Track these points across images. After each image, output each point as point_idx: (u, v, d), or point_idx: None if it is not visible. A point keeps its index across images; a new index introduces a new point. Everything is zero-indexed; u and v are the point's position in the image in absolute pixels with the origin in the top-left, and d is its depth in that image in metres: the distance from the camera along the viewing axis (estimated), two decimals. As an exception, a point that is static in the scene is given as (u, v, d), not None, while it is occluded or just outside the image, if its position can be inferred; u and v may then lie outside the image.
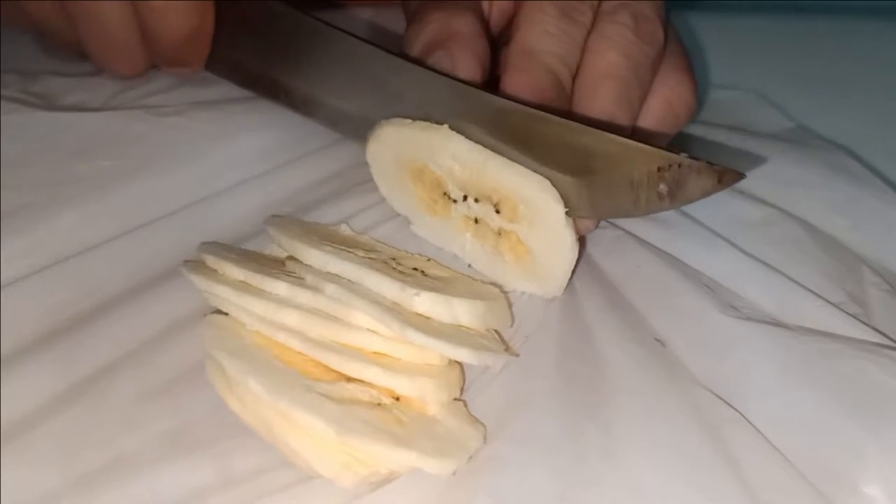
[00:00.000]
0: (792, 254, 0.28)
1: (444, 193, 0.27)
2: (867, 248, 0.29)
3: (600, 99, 0.27)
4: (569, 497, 0.21)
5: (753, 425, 0.23)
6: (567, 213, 0.24)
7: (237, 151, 0.32)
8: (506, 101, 0.25)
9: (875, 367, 0.23)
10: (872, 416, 0.22)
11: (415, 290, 0.23)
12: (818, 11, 0.48)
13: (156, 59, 0.35)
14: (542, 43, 0.28)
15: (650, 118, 0.29)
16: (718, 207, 0.30)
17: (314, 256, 0.25)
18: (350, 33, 0.29)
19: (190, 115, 0.34)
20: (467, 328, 0.24)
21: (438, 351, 0.22)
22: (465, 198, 0.27)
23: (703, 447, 0.22)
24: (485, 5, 0.31)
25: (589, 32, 0.29)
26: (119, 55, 0.34)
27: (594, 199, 0.25)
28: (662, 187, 0.23)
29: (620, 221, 0.30)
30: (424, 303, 0.23)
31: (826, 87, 0.41)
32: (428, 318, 0.23)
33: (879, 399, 0.22)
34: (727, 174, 0.22)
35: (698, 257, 0.28)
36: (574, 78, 0.28)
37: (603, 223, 0.30)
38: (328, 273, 0.24)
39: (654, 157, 0.23)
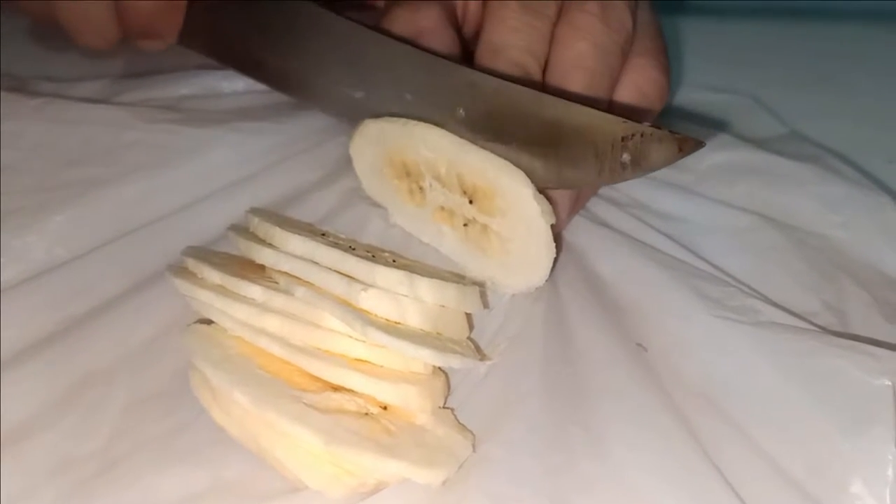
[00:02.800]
0: (770, 262, 0.29)
1: (421, 187, 0.27)
2: (857, 247, 0.29)
3: (570, 89, 0.27)
4: (560, 498, 0.21)
5: (737, 425, 0.23)
6: (536, 192, 0.25)
7: (225, 156, 0.32)
8: (479, 73, 0.26)
9: (852, 366, 0.23)
10: (851, 414, 0.22)
11: (362, 286, 0.22)
12: (812, 16, 0.48)
13: (128, 31, 0.35)
14: (508, 38, 0.28)
15: (622, 104, 0.30)
16: (703, 212, 0.31)
17: (281, 239, 0.25)
18: (327, 8, 0.29)
19: (180, 121, 0.33)
20: (439, 334, 0.23)
21: (400, 351, 0.22)
22: (442, 189, 0.27)
23: (689, 449, 0.22)
24: (458, 5, 0.31)
25: (555, 23, 0.29)
26: (91, 27, 0.34)
27: (561, 170, 0.25)
28: (626, 156, 0.23)
29: (605, 220, 0.30)
30: (371, 299, 0.22)
31: (820, 92, 0.40)
32: (398, 322, 0.23)
33: (857, 397, 0.22)
34: (687, 142, 0.22)
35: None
36: (544, 69, 0.28)
37: (587, 222, 0.30)
38: (293, 257, 0.24)
39: (618, 126, 0.23)
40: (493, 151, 0.25)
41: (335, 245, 0.24)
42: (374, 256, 0.25)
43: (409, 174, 0.28)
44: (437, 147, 0.26)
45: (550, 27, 0.29)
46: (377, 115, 0.28)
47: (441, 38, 0.29)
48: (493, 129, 0.25)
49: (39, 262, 0.28)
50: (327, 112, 0.31)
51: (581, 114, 0.24)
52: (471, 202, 0.26)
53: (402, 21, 0.29)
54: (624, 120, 0.23)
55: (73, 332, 0.26)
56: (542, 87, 0.28)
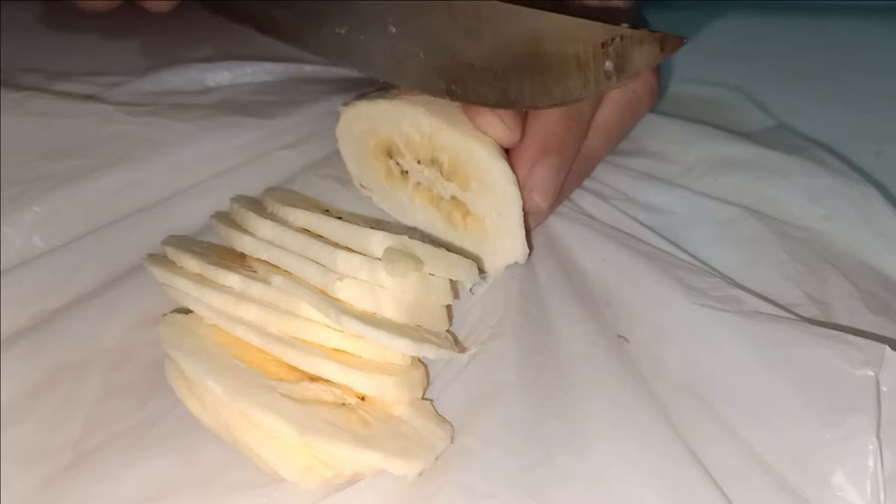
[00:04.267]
0: (753, 253, 0.29)
1: (401, 166, 0.28)
2: (841, 239, 0.29)
3: None
4: (537, 492, 0.21)
5: (719, 416, 0.23)
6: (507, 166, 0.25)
7: (210, 148, 0.32)
8: None
9: (835, 356, 0.23)
10: (833, 404, 0.22)
11: (338, 276, 0.22)
12: (800, 9, 0.48)
13: None
14: None
15: (612, 103, 0.29)
16: (687, 204, 0.31)
17: (254, 224, 0.25)
18: None
19: (163, 114, 0.33)
20: (418, 326, 0.23)
21: (375, 340, 0.21)
22: (420, 167, 0.27)
23: (669, 442, 0.22)
24: None
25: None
26: None
27: (548, 87, 0.25)
28: (608, 64, 0.23)
29: (588, 211, 0.30)
30: (346, 289, 0.22)
31: (808, 85, 0.41)
32: (373, 312, 0.22)
33: (839, 388, 0.22)
34: (669, 41, 0.22)
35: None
36: None
37: (570, 212, 0.30)
38: (270, 245, 0.24)
39: (597, 31, 0.23)
40: (483, 77, 0.25)
41: (330, 220, 0.24)
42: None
43: (389, 154, 0.28)
44: (416, 122, 0.26)
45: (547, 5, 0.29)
46: (364, 53, 0.28)
47: None
48: (475, 52, 0.25)
49: (16, 253, 0.28)
50: (317, 54, 0.31)
51: (559, 23, 0.23)
52: (448, 179, 0.26)
53: None
54: (602, 24, 0.23)
55: (48, 324, 0.26)
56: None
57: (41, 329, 0.25)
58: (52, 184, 0.30)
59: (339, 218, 0.24)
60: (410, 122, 0.27)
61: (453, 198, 0.27)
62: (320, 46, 0.30)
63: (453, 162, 0.26)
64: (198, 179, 0.31)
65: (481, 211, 0.26)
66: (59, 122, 0.33)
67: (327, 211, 0.27)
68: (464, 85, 0.26)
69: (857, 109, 0.38)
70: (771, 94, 0.39)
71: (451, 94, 0.26)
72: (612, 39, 0.22)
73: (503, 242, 0.26)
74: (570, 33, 0.23)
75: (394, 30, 0.27)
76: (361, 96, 0.29)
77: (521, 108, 0.26)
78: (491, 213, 0.26)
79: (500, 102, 0.25)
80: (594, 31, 0.23)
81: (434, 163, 0.27)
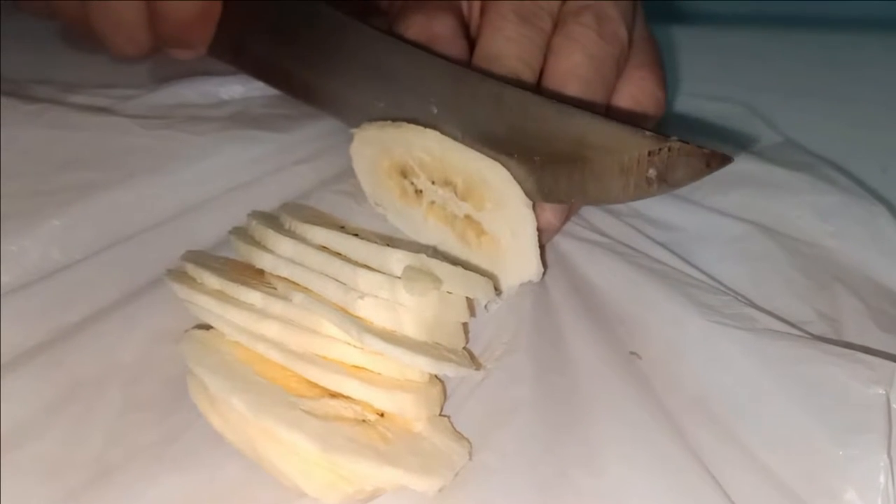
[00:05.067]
0: (764, 271, 0.29)
1: (415, 186, 0.28)
2: (850, 256, 0.30)
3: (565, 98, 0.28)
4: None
5: (732, 433, 0.23)
6: (536, 200, 0.25)
7: (224, 162, 0.32)
8: (502, 84, 0.26)
9: (846, 374, 0.23)
10: (844, 422, 0.22)
11: (358, 294, 0.22)
12: (806, 26, 0.48)
13: (160, 39, 0.35)
14: (504, 48, 0.29)
15: (618, 115, 0.30)
16: (697, 221, 0.31)
17: (273, 242, 0.25)
18: (352, 18, 0.30)
19: (178, 127, 0.33)
20: (437, 343, 0.23)
21: (395, 358, 0.22)
22: (433, 187, 0.27)
23: (683, 459, 0.22)
24: (464, 5, 0.32)
25: (549, 35, 0.29)
26: (124, 33, 0.34)
27: (585, 186, 0.25)
28: (652, 171, 0.23)
29: (600, 228, 0.31)
30: (367, 307, 0.22)
31: (814, 100, 0.41)
32: (393, 330, 0.23)
33: (850, 406, 0.23)
34: (715, 158, 0.22)
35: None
36: (539, 78, 0.29)
37: (581, 230, 0.30)
38: (291, 262, 0.24)
39: (646, 141, 0.23)
40: (516, 167, 0.26)
41: (349, 238, 0.24)
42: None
43: (403, 174, 0.28)
44: (428, 148, 0.27)
45: (545, 39, 0.29)
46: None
47: (453, 45, 0.29)
48: (516, 143, 0.25)
49: (35, 266, 0.28)
50: (350, 123, 0.31)
51: (607, 128, 0.24)
52: (462, 199, 0.27)
53: (417, 26, 0.30)
54: (651, 134, 0.23)
55: (66, 339, 0.26)
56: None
57: (59, 344, 0.26)
58: (69, 197, 0.30)
59: (356, 235, 0.25)
60: (422, 146, 0.27)
61: (467, 217, 0.27)
62: (355, 117, 0.30)
63: (467, 183, 0.26)
64: (213, 193, 0.31)
65: (495, 230, 0.26)
66: (75, 134, 0.33)
67: (342, 228, 0.27)
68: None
69: (863, 125, 0.38)
70: (777, 110, 0.39)
71: None
72: (660, 150, 0.22)
73: (517, 261, 0.27)
74: (617, 142, 0.23)
75: (435, 110, 0.27)
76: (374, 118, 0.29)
77: (553, 201, 0.26)
78: (505, 232, 0.26)
79: (531, 191, 0.26)
80: (643, 139, 0.23)
81: (448, 183, 0.27)
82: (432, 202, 0.28)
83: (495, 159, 0.26)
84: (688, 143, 0.22)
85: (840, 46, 0.45)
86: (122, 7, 0.33)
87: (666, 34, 0.37)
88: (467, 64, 0.29)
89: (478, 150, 0.26)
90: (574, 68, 0.28)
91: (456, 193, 0.27)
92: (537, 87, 0.29)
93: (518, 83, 0.26)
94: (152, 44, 0.35)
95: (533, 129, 0.25)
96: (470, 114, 0.26)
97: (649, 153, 0.23)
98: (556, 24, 0.30)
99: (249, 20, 0.33)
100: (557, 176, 0.25)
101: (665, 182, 0.23)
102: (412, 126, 0.27)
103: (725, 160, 0.22)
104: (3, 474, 0.22)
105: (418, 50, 0.28)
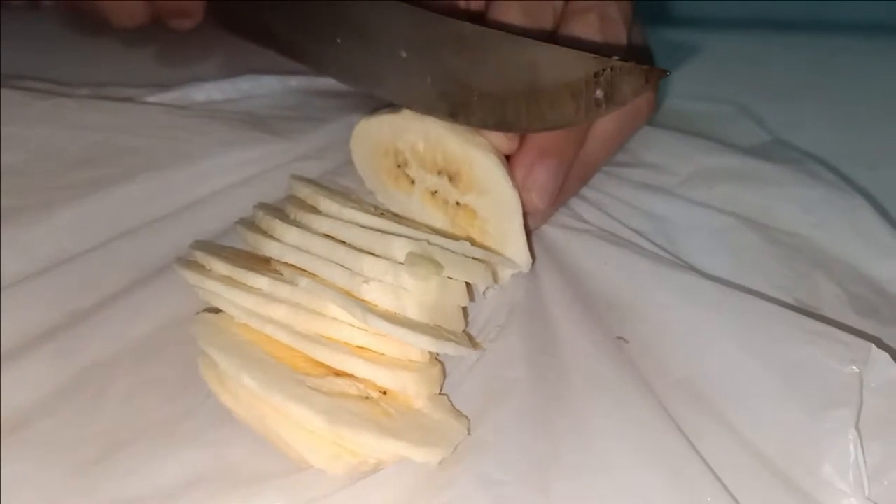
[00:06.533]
0: (747, 261, 0.30)
1: (409, 175, 0.30)
2: (831, 245, 0.31)
3: None
4: (543, 481, 0.22)
5: (716, 411, 0.24)
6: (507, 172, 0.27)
7: (228, 160, 0.34)
8: (463, 23, 0.27)
9: (824, 354, 0.24)
10: (820, 399, 0.23)
11: (363, 279, 0.23)
12: (794, 28, 0.49)
13: (157, 10, 0.36)
14: None
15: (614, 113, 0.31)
16: (683, 213, 0.32)
17: (281, 231, 0.26)
18: None
19: (186, 128, 0.34)
20: (437, 326, 0.24)
21: (400, 337, 0.23)
22: (426, 174, 0.29)
23: (670, 437, 0.23)
24: (461, 3, 0.33)
25: (550, 31, 0.31)
26: (122, 5, 0.35)
27: (542, 112, 0.26)
28: (599, 92, 0.24)
29: (587, 219, 0.32)
30: (372, 291, 0.23)
31: (803, 100, 0.42)
32: (395, 313, 0.24)
33: (827, 383, 0.24)
34: (653, 72, 0.23)
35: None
36: None
37: (570, 220, 0.32)
38: (298, 250, 0.25)
39: (590, 62, 0.24)
40: (483, 103, 0.27)
41: (352, 227, 0.25)
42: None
43: (398, 164, 0.30)
44: (419, 132, 0.28)
45: (546, 35, 0.30)
46: (375, 75, 0.30)
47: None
48: (478, 77, 0.27)
49: (47, 256, 0.29)
50: (329, 75, 0.33)
51: (556, 54, 0.25)
52: (454, 186, 0.28)
53: None
54: (594, 56, 0.24)
55: (77, 324, 0.27)
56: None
57: (72, 328, 0.27)
58: (82, 191, 0.31)
59: (375, 208, 0.27)
60: (415, 132, 0.29)
61: (459, 204, 0.28)
62: (333, 67, 0.32)
63: (457, 170, 0.28)
64: (218, 188, 0.33)
65: (485, 217, 0.28)
66: (84, 133, 0.34)
67: (351, 200, 0.29)
68: (466, 110, 0.28)
69: (851, 126, 0.40)
70: (767, 111, 0.40)
71: (453, 118, 0.28)
72: (603, 70, 0.24)
73: (506, 251, 0.28)
74: (565, 64, 0.25)
75: (405, 55, 0.28)
76: (374, 111, 0.30)
77: (516, 131, 0.28)
78: (494, 219, 0.28)
79: (497, 126, 0.27)
80: (587, 62, 0.24)
81: (441, 172, 0.28)
82: (426, 189, 0.29)
83: (461, 99, 0.27)
84: (627, 62, 0.24)
85: (830, 49, 0.46)
86: None
87: (658, 38, 0.38)
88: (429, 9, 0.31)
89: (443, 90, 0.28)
90: None
91: (449, 180, 0.28)
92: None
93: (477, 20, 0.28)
94: (148, 14, 0.36)
95: (492, 63, 0.26)
96: (436, 57, 0.27)
97: (594, 74, 0.24)
98: (560, 22, 0.31)
99: None
100: (518, 107, 0.27)
101: (612, 101, 0.24)
102: (403, 114, 0.29)
103: (662, 73, 0.23)
104: (18, 450, 0.23)
105: (393, 2, 0.29)
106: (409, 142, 0.29)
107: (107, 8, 0.36)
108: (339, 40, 0.31)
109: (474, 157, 0.27)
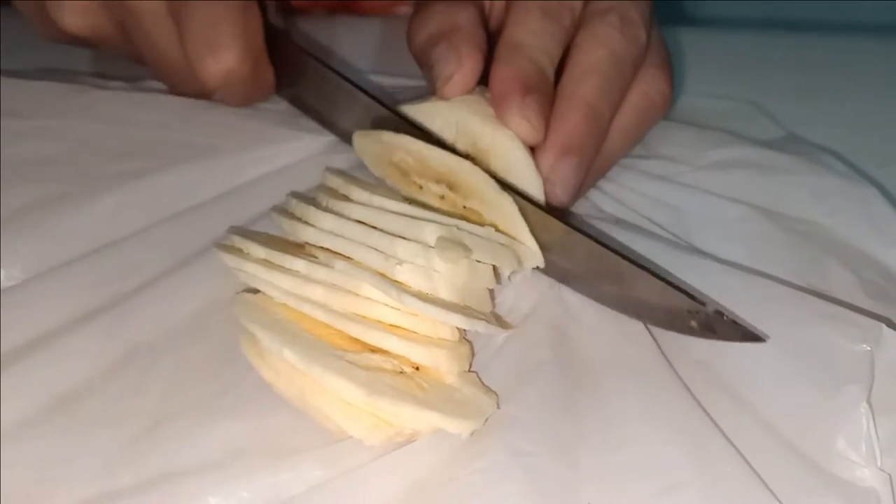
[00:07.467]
0: (761, 249, 0.31)
1: (417, 184, 0.30)
2: (844, 232, 0.32)
3: (585, 90, 0.30)
4: (573, 458, 0.23)
5: (736, 391, 0.25)
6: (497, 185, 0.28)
7: (261, 153, 0.34)
8: (574, 233, 0.28)
9: (837, 334, 0.25)
10: (833, 377, 0.25)
11: (397, 261, 0.24)
12: (807, 28, 0.50)
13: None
14: (528, 39, 0.30)
15: (630, 109, 0.32)
16: (698, 203, 0.33)
17: (315, 217, 0.27)
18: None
19: (221, 122, 0.35)
20: (467, 306, 0.25)
21: (432, 316, 0.24)
22: (425, 181, 0.30)
23: (693, 417, 0.24)
24: (486, 5, 0.34)
25: (570, 32, 0.31)
26: (177, 82, 0.35)
27: (639, 313, 0.28)
28: (693, 323, 0.26)
29: (606, 210, 0.33)
30: (405, 272, 0.24)
31: (816, 99, 0.42)
32: (427, 293, 0.25)
33: (840, 362, 0.25)
34: (749, 336, 0.25)
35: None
36: (561, 71, 0.31)
37: (589, 210, 0.33)
38: (334, 235, 0.26)
39: (685, 303, 0.25)
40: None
41: (384, 213, 0.26)
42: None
43: (401, 172, 0.30)
44: (407, 150, 0.29)
45: (566, 35, 0.31)
46: None
47: (475, 37, 0.31)
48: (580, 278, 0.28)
49: (90, 241, 0.30)
50: None
51: (655, 288, 0.26)
52: (451, 190, 0.29)
53: (440, 15, 0.31)
54: (691, 297, 0.25)
55: (121, 306, 0.28)
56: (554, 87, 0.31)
57: (115, 310, 0.28)
58: (121, 180, 0.32)
59: (404, 197, 0.28)
60: (403, 149, 0.29)
61: (465, 207, 0.29)
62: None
63: (454, 180, 0.28)
64: (252, 177, 0.33)
65: (491, 220, 0.28)
66: (124, 128, 0.35)
67: (381, 189, 0.29)
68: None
69: (862, 124, 0.40)
70: (780, 109, 0.41)
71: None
72: (698, 312, 0.25)
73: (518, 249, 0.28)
74: (663, 299, 0.26)
75: None
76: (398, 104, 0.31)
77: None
78: (499, 223, 0.28)
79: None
80: (683, 302, 0.25)
81: (439, 181, 0.29)
82: (434, 194, 0.30)
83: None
84: (723, 315, 0.25)
85: (839, 49, 0.47)
86: (169, 61, 0.34)
87: (674, 37, 0.39)
88: (486, 55, 0.31)
89: None
90: (596, 64, 0.30)
91: (449, 188, 0.29)
92: (555, 82, 0.31)
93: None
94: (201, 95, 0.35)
95: (594, 270, 0.28)
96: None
97: (688, 311, 0.26)
98: (580, 24, 0.32)
99: (294, 77, 0.36)
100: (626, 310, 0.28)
101: (706, 334, 0.26)
102: (386, 133, 0.29)
103: (757, 339, 0.24)
104: (69, 425, 0.25)
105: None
106: (400, 157, 0.30)
107: (164, 81, 0.36)
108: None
109: (456, 166, 0.28)
